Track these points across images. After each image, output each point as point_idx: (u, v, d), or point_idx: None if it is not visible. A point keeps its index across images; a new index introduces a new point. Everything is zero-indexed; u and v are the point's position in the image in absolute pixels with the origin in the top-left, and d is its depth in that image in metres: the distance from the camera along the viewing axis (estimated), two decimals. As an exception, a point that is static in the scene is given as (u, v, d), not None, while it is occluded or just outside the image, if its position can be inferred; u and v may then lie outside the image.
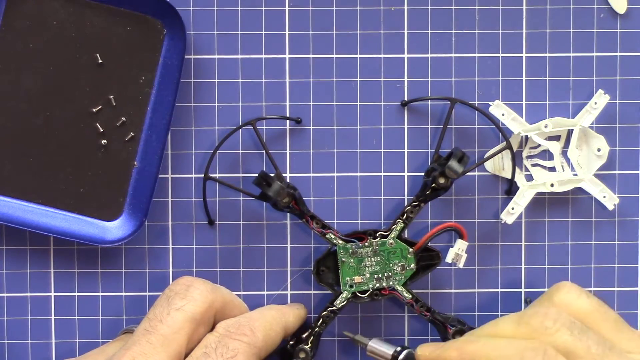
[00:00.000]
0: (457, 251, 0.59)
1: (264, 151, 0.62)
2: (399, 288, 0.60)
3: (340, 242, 0.60)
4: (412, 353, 0.57)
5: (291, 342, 0.60)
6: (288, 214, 0.62)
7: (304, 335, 0.60)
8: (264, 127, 0.62)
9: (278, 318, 0.58)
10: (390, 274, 0.60)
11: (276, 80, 0.62)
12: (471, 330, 0.57)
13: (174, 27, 0.60)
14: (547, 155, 0.63)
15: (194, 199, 0.63)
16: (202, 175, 0.61)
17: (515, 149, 0.62)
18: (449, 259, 0.60)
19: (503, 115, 0.62)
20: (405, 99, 0.62)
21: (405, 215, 0.60)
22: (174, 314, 0.53)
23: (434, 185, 0.59)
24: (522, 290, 0.63)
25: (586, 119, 0.62)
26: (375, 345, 0.59)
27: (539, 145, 0.62)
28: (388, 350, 0.59)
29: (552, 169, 0.63)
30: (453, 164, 0.58)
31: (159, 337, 0.53)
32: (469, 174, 0.63)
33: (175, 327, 0.53)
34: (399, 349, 0.58)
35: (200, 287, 0.55)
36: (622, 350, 0.53)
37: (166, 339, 0.53)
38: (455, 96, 0.62)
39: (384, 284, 0.60)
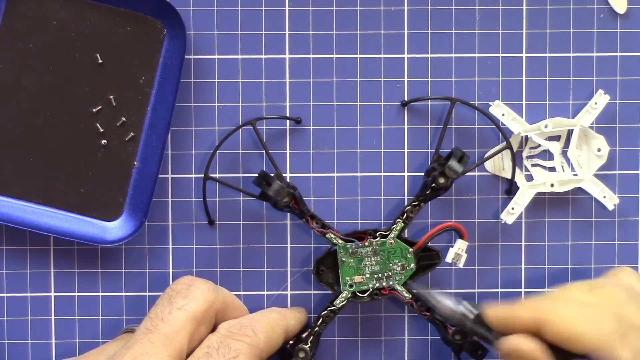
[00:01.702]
0: (457, 251, 0.60)
1: (263, 151, 0.62)
2: (398, 288, 0.61)
3: (340, 241, 0.61)
4: (481, 312, 0.56)
5: (291, 342, 0.61)
6: (288, 214, 0.63)
7: (304, 335, 0.61)
8: (263, 127, 0.63)
9: (279, 320, 0.59)
10: (390, 273, 0.61)
11: (276, 80, 0.63)
12: (533, 297, 0.56)
13: (174, 27, 0.61)
14: (547, 155, 0.64)
15: (194, 199, 0.63)
16: (202, 175, 0.62)
17: (515, 149, 0.63)
18: (449, 258, 0.60)
19: (503, 115, 0.63)
20: (405, 99, 0.63)
21: (405, 215, 0.61)
22: (175, 313, 0.54)
23: (434, 185, 0.60)
24: (522, 290, 0.64)
25: (586, 119, 0.63)
26: (443, 301, 0.57)
27: (539, 145, 0.63)
28: (458, 308, 0.57)
29: (552, 169, 0.64)
30: (453, 163, 0.59)
31: (160, 336, 0.53)
32: (469, 173, 0.63)
33: (176, 326, 0.54)
34: (465, 303, 0.57)
35: (202, 286, 0.56)
36: None
37: (167, 338, 0.53)
38: (456, 96, 0.63)
39: (384, 284, 0.61)
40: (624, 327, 0.51)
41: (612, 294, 0.53)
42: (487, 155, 0.63)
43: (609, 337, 0.51)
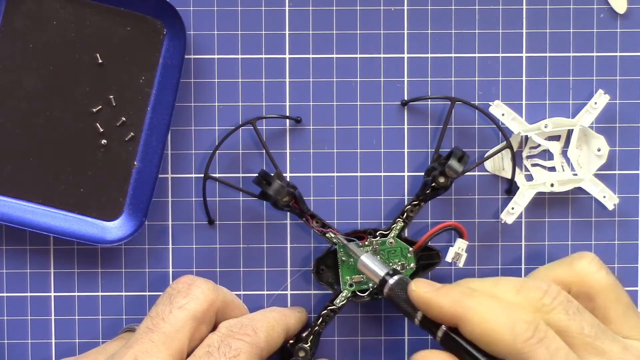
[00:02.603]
0: (457, 250, 0.61)
1: (264, 151, 0.63)
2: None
3: (341, 241, 0.61)
4: (404, 281, 0.56)
5: (291, 342, 0.61)
6: (288, 214, 0.64)
7: (304, 335, 0.62)
8: (264, 127, 0.64)
9: (280, 320, 0.59)
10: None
11: (276, 80, 0.64)
12: (469, 279, 0.56)
13: (174, 27, 0.62)
14: (547, 155, 0.64)
15: (194, 198, 0.64)
16: (202, 175, 0.63)
17: (515, 149, 0.63)
18: (449, 258, 0.61)
19: (503, 115, 0.63)
20: (405, 98, 0.64)
21: (405, 214, 0.62)
22: (176, 312, 0.55)
23: (433, 184, 0.60)
24: (522, 290, 0.65)
25: (586, 119, 0.63)
26: (368, 261, 0.58)
27: (539, 145, 0.64)
28: (380, 270, 0.57)
29: (552, 169, 0.64)
30: (453, 163, 0.60)
31: (161, 335, 0.54)
32: (469, 173, 0.64)
33: (177, 326, 0.54)
34: (391, 272, 0.57)
35: (202, 285, 0.57)
36: (622, 335, 0.54)
37: (168, 337, 0.54)
38: (456, 96, 0.64)
39: (384, 283, 0.62)
40: (540, 333, 0.51)
41: (540, 299, 0.53)
42: (487, 155, 0.63)
43: (523, 343, 0.51)
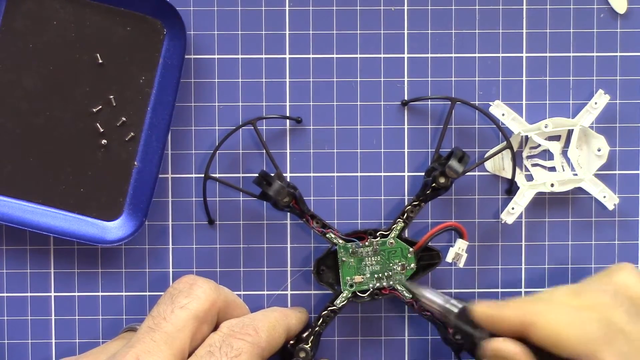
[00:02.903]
0: (457, 250, 0.61)
1: (264, 151, 0.63)
2: (399, 287, 0.62)
3: (340, 241, 0.62)
4: (466, 308, 0.56)
5: (291, 342, 0.61)
6: (288, 214, 0.64)
7: (304, 335, 0.62)
8: (264, 127, 0.64)
9: (281, 320, 0.60)
10: (390, 273, 0.62)
11: (276, 80, 0.64)
12: (522, 297, 0.56)
13: (174, 27, 0.62)
14: (547, 155, 0.65)
15: (194, 199, 0.64)
16: (202, 175, 0.63)
17: (515, 149, 0.64)
18: (449, 258, 0.61)
19: (503, 115, 0.63)
20: (406, 98, 0.64)
21: (406, 214, 0.62)
22: (177, 312, 0.55)
23: (434, 184, 0.60)
24: (522, 290, 0.65)
25: (586, 119, 0.64)
26: (430, 296, 0.58)
27: (539, 145, 0.64)
28: (442, 302, 0.57)
29: (552, 169, 0.65)
30: (453, 163, 0.60)
31: (162, 335, 0.54)
32: (469, 173, 0.64)
33: (179, 325, 0.55)
34: (453, 301, 0.57)
35: (204, 285, 0.57)
36: None
37: (170, 336, 0.54)
38: (456, 96, 0.64)
39: (384, 284, 0.62)
40: (611, 332, 0.51)
41: (599, 298, 0.53)
42: (487, 155, 0.63)
43: (594, 342, 0.51)
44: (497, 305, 0.55)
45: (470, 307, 0.56)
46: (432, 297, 0.58)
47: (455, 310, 0.57)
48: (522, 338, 0.53)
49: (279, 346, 0.59)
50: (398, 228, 0.62)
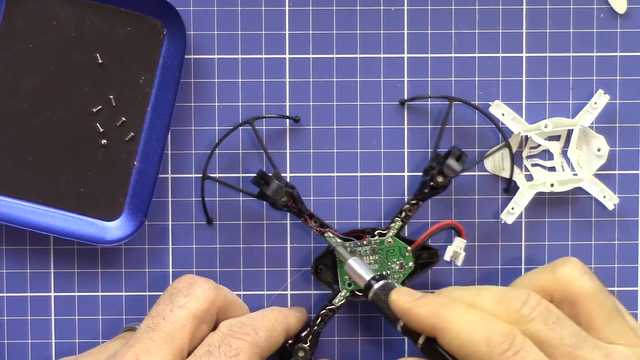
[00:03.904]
0: (456, 249, 0.62)
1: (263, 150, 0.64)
2: (397, 286, 0.62)
3: (338, 240, 0.62)
4: (388, 287, 0.57)
5: (290, 341, 0.62)
6: (288, 214, 0.65)
7: (303, 334, 0.62)
8: (263, 127, 0.65)
9: (280, 319, 0.60)
10: (389, 272, 0.62)
11: (276, 80, 0.65)
12: (453, 287, 0.56)
13: (174, 27, 0.62)
14: (547, 155, 0.65)
15: (193, 198, 0.65)
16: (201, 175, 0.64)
17: (515, 149, 0.64)
18: (447, 256, 0.62)
19: (503, 115, 0.64)
20: (405, 98, 0.65)
21: (404, 213, 0.63)
22: (177, 312, 0.56)
23: (432, 183, 0.61)
24: (522, 290, 0.66)
25: (586, 119, 0.64)
26: (355, 264, 0.59)
27: (539, 145, 0.65)
28: (366, 274, 0.58)
29: (552, 169, 0.65)
30: (451, 162, 0.60)
31: (162, 335, 0.55)
32: (469, 173, 0.65)
33: (178, 325, 0.55)
34: (377, 276, 0.58)
35: (203, 285, 0.57)
36: (607, 340, 0.54)
37: (169, 336, 0.55)
38: (456, 96, 0.64)
39: (383, 282, 0.62)
40: (517, 345, 0.51)
41: (518, 310, 0.53)
42: (486, 154, 0.64)
43: (500, 356, 0.50)
44: (414, 300, 0.55)
45: (392, 288, 0.56)
46: (357, 266, 0.59)
47: (376, 286, 0.57)
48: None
49: (278, 346, 0.59)
50: (396, 227, 0.63)
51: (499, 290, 0.54)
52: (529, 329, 0.52)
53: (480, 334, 0.51)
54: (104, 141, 0.63)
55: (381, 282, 0.57)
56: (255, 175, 0.60)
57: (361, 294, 0.62)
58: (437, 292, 0.57)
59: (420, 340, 0.54)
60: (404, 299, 0.55)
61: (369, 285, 0.58)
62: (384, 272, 0.62)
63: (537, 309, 0.53)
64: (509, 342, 0.51)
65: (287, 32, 0.65)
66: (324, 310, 0.63)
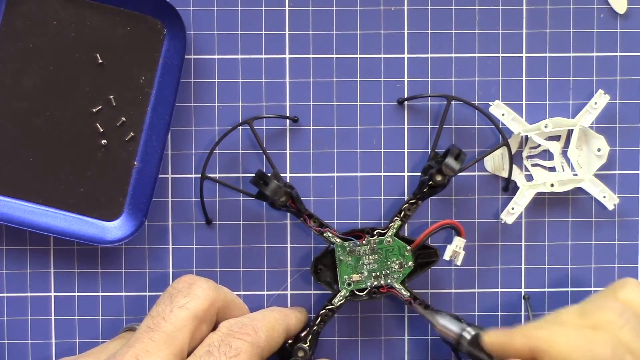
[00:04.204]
0: (455, 248, 0.62)
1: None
2: (397, 286, 0.62)
3: (337, 240, 0.62)
4: (478, 334, 0.58)
5: (290, 341, 0.62)
6: (288, 214, 0.65)
7: (303, 334, 0.62)
8: (263, 127, 0.65)
9: (280, 320, 0.60)
10: (388, 271, 0.62)
11: (276, 80, 0.65)
12: (531, 323, 0.57)
13: (174, 27, 0.63)
14: (547, 155, 0.65)
15: (193, 199, 0.65)
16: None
17: (515, 149, 0.65)
18: (446, 256, 0.62)
19: (503, 115, 0.64)
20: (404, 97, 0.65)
21: (403, 213, 0.63)
22: (176, 312, 0.56)
23: (430, 182, 0.61)
24: (522, 290, 0.65)
25: (586, 119, 0.64)
26: (444, 322, 0.60)
27: (539, 145, 0.65)
28: (455, 328, 0.59)
29: (552, 169, 0.65)
30: (450, 161, 0.60)
31: (161, 335, 0.55)
32: (469, 173, 0.65)
33: (178, 325, 0.55)
34: (466, 327, 0.59)
35: (203, 285, 0.58)
36: None
37: (169, 336, 0.55)
38: (455, 96, 0.65)
39: (382, 282, 0.62)
40: (619, 352, 0.52)
41: (605, 317, 0.53)
42: (485, 154, 0.64)
43: None
44: (507, 333, 0.56)
45: (481, 335, 0.57)
46: (447, 324, 0.60)
47: (468, 337, 0.58)
48: None
49: (278, 346, 0.60)
50: (395, 226, 0.63)
51: (578, 307, 0.56)
52: (620, 337, 0.53)
53: (581, 346, 0.52)
54: (104, 141, 0.64)
55: (472, 334, 0.58)
56: (254, 175, 0.61)
57: (361, 293, 0.63)
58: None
59: None
60: (496, 336, 0.56)
61: (459, 339, 0.59)
62: (391, 269, 0.63)
63: (625, 316, 0.53)
64: (611, 349, 0.51)
65: (287, 32, 0.65)
66: (324, 310, 0.63)
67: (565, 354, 0.52)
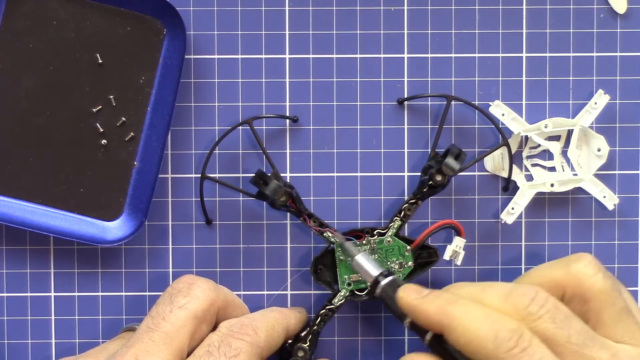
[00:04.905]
0: (455, 248, 0.62)
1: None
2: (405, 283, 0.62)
3: (337, 240, 0.62)
4: (396, 283, 0.57)
5: (290, 341, 0.62)
6: (288, 214, 0.65)
7: (303, 334, 0.63)
8: (263, 127, 0.65)
9: (280, 320, 0.60)
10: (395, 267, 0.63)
11: (276, 80, 0.65)
12: (460, 283, 0.56)
13: (174, 27, 0.63)
14: (547, 155, 0.65)
15: (193, 199, 0.65)
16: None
17: (515, 149, 0.65)
18: (446, 256, 0.62)
19: (503, 115, 0.64)
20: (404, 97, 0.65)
21: (403, 212, 0.63)
22: (176, 312, 0.56)
23: (430, 182, 0.61)
24: (522, 290, 0.66)
25: (586, 119, 0.64)
26: (363, 260, 0.59)
27: (539, 145, 0.65)
28: (374, 270, 0.58)
29: (552, 169, 0.65)
30: (450, 161, 0.61)
31: (161, 335, 0.55)
32: (469, 173, 0.65)
33: (177, 325, 0.55)
34: (385, 272, 0.58)
35: (203, 285, 0.58)
36: (615, 339, 0.54)
37: (169, 336, 0.55)
38: (455, 96, 0.65)
39: (382, 282, 0.63)
40: (525, 341, 0.51)
41: (526, 307, 0.53)
42: (485, 153, 0.64)
43: (506, 353, 0.51)
44: (421, 296, 0.55)
45: (399, 285, 0.56)
46: (365, 262, 0.59)
47: (384, 282, 0.57)
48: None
49: (277, 346, 0.60)
50: (395, 226, 0.63)
51: (507, 287, 0.54)
52: (537, 327, 0.52)
53: (487, 331, 0.51)
54: (104, 141, 0.64)
55: (389, 279, 0.57)
56: (254, 175, 0.61)
57: (361, 293, 0.63)
58: (444, 288, 0.57)
59: (428, 337, 0.55)
60: (411, 296, 0.55)
61: (376, 282, 0.58)
62: (391, 269, 0.62)
63: (545, 307, 0.53)
64: (515, 339, 0.51)
65: (287, 32, 0.65)
66: (324, 310, 0.63)
67: (469, 336, 0.52)
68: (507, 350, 0.51)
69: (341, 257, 0.63)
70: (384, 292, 0.57)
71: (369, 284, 0.59)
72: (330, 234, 0.62)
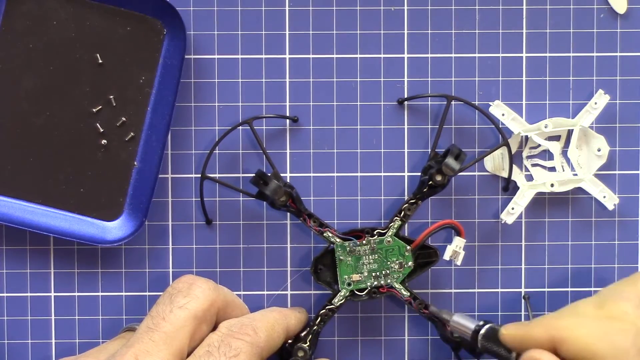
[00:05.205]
0: (455, 248, 0.62)
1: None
2: (397, 286, 0.62)
3: (337, 240, 0.63)
4: (494, 329, 0.58)
5: (290, 341, 0.62)
6: (288, 214, 0.65)
7: (303, 334, 0.63)
8: (263, 128, 0.65)
9: (280, 320, 0.60)
10: (388, 271, 0.62)
11: (276, 80, 0.65)
12: (547, 314, 0.57)
13: (174, 27, 0.63)
14: (547, 155, 0.65)
15: (193, 199, 0.65)
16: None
17: (515, 149, 0.65)
18: (446, 256, 0.62)
19: (503, 115, 0.64)
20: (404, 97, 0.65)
21: (403, 212, 0.63)
22: (176, 312, 0.56)
23: (430, 182, 0.61)
24: (522, 290, 0.66)
25: (586, 119, 0.64)
26: (458, 319, 0.60)
27: (539, 145, 0.65)
28: (470, 324, 0.59)
29: (552, 169, 0.65)
30: (450, 161, 0.61)
31: (161, 335, 0.55)
32: (469, 173, 0.65)
33: (177, 325, 0.55)
34: (481, 323, 0.59)
35: (203, 285, 0.58)
36: None
37: (169, 336, 0.55)
38: (455, 96, 0.65)
39: (382, 282, 0.62)
40: (639, 341, 0.52)
41: (623, 307, 0.54)
42: (485, 154, 0.64)
43: (624, 353, 0.52)
44: (524, 325, 0.56)
45: (498, 328, 0.57)
46: (461, 320, 0.60)
47: (483, 331, 0.58)
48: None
49: (277, 346, 0.60)
50: (395, 226, 0.63)
51: (595, 298, 0.56)
52: (638, 326, 0.53)
53: (601, 335, 0.52)
54: (104, 141, 0.64)
55: (487, 326, 0.58)
56: (254, 175, 0.61)
57: (361, 293, 0.63)
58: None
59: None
60: (513, 328, 0.56)
61: (476, 334, 0.59)
62: (391, 269, 0.63)
63: None
64: (631, 338, 0.52)
65: (287, 32, 0.65)
66: (324, 310, 0.63)
67: (586, 344, 0.53)
68: (622, 353, 0.52)
69: (341, 257, 0.63)
70: (485, 338, 0.58)
71: (469, 338, 0.60)
72: (330, 234, 0.62)
